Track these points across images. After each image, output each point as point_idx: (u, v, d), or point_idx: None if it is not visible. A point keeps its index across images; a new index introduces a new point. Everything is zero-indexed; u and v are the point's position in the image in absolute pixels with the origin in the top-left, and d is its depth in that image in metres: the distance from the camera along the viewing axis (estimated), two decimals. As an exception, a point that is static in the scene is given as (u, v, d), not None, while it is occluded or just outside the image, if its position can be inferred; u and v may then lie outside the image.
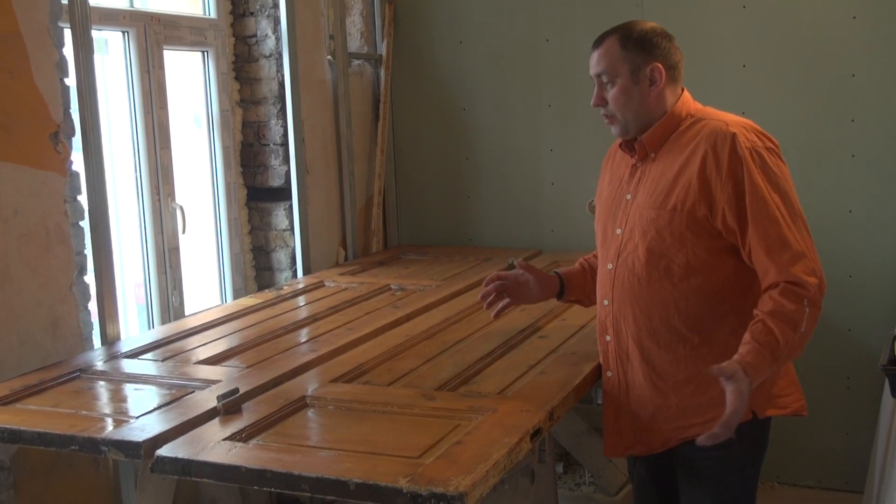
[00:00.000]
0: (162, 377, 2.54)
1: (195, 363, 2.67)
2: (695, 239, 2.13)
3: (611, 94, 2.21)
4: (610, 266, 2.28)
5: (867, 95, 3.70)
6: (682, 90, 2.27)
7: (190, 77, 3.66)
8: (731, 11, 3.83)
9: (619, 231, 2.26)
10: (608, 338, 2.32)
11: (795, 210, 2.09)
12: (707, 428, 2.04)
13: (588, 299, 2.57)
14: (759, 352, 1.99)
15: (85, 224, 2.86)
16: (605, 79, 2.21)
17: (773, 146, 2.16)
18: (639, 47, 2.18)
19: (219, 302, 3.72)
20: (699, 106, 2.28)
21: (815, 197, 3.73)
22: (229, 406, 2.23)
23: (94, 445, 2.08)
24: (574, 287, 2.56)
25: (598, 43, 2.22)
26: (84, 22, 2.81)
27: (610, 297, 2.29)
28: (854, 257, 3.78)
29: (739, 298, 2.16)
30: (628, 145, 2.29)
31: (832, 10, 3.72)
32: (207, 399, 2.29)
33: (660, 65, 2.19)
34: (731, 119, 2.18)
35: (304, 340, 2.91)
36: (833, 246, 3.73)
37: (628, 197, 2.26)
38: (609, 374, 2.33)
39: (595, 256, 2.52)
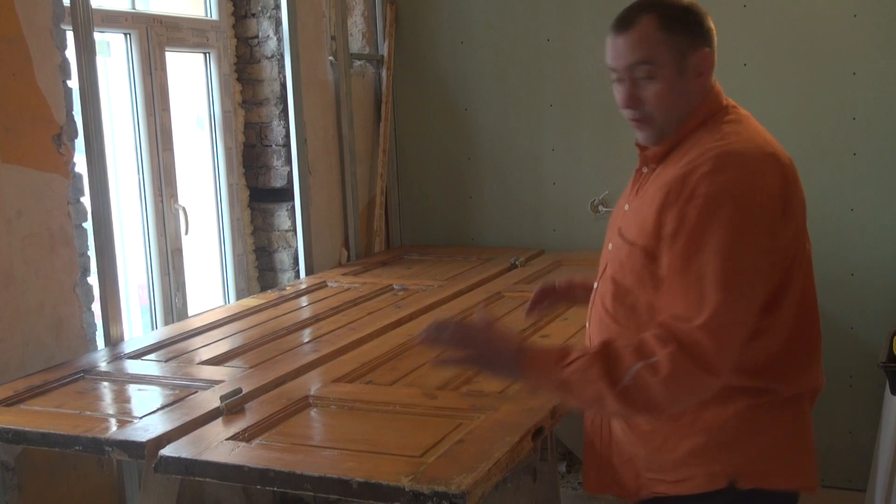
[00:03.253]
0: (165, 378, 2.55)
1: (198, 364, 2.68)
2: (654, 281, 1.68)
3: (650, 90, 1.70)
4: (595, 285, 1.89)
5: (868, 93, 3.70)
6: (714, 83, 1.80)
7: (192, 78, 3.67)
8: (731, 10, 3.83)
9: (610, 247, 1.85)
10: None
11: (733, 280, 1.57)
12: (676, 488, 1.74)
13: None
14: (571, 364, 1.62)
15: (88, 225, 2.86)
16: (640, 72, 1.69)
17: (763, 198, 1.62)
18: (684, 28, 1.69)
19: (222, 303, 3.73)
20: (727, 102, 1.80)
21: (816, 195, 3.69)
22: (232, 406, 2.24)
23: (98, 446, 2.09)
24: None
25: (626, 24, 1.70)
26: (86, 24, 2.81)
27: (588, 321, 1.91)
28: (856, 255, 3.78)
29: None
30: (638, 144, 1.85)
31: (833, 8, 3.72)
32: (210, 399, 2.30)
33: (709, 50, 1.73)
34: (742, 140, 1.69)
35: (306, 341, 2.92)
36: (835, 244, 3.74)
37: (626, 208, 1.84)
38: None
39: None
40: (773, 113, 3.76)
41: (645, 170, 1.82)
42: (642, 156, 1.81)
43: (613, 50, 1.72)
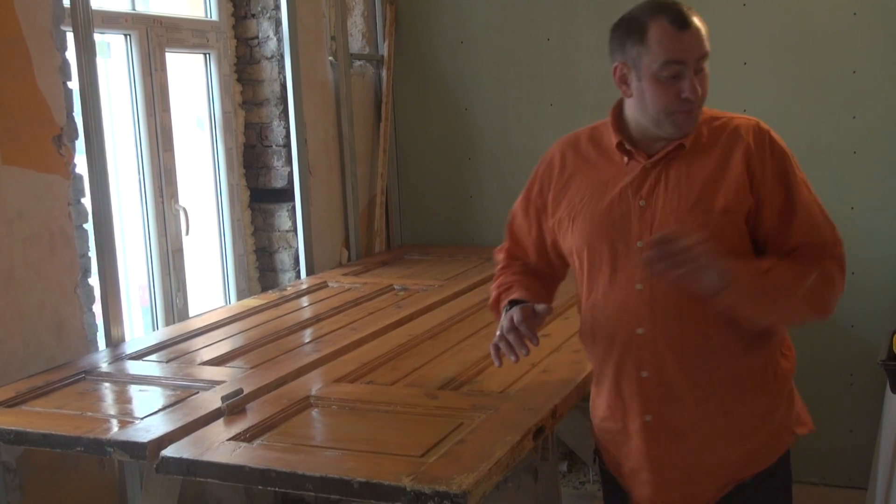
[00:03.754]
0: (166, 378, 2.56)
1: (199, 364, 2.68)
2: (745, 246, 1.87)
3: (704, 80, 1.85)
4: (639, 287, 1.88)
5: (868, 92, 3.70)
6: None
7: (192, 79, 3.67)
8: (731, 9, 3.83)
9: (640, 244, 1.87)
10: (644, 374, 1.91)
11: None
12: (766, 474, 1.96)
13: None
14: (770, 271, 1.80)
15: (89, 226, 2.87)
16: (703, 64, 1.84)
17: None
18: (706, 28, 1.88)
19: (223, 303, 3.73)
20: None
21: (816, 193, 3.73)
22: (233, 406, 2.24)
23: (100, 446, 2.10)
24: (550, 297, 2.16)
25: (688, 23, 1.82)
26: (86, 25, 2.82)
27: (648, 324, 1.88)
28: (856, 254, 3.75)
29: None
30: (626, 144, 1.93)
31: (833, 6, 3.72)
32: (212, 400, 2.30)
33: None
34: (747, 117, 1.96)
35: (307, 341, 2.92)
36: (835, 243, 3.74)
37: (641, 203, 1.89)
38: (648, 418, 1.93)
39: (513, 261, 2.19)
40: (773, 111, 3.77)
41: (651, 167, 1.90)
42: (670, 147, 1.88)
43: (679, 43, 1.81)
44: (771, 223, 1.86)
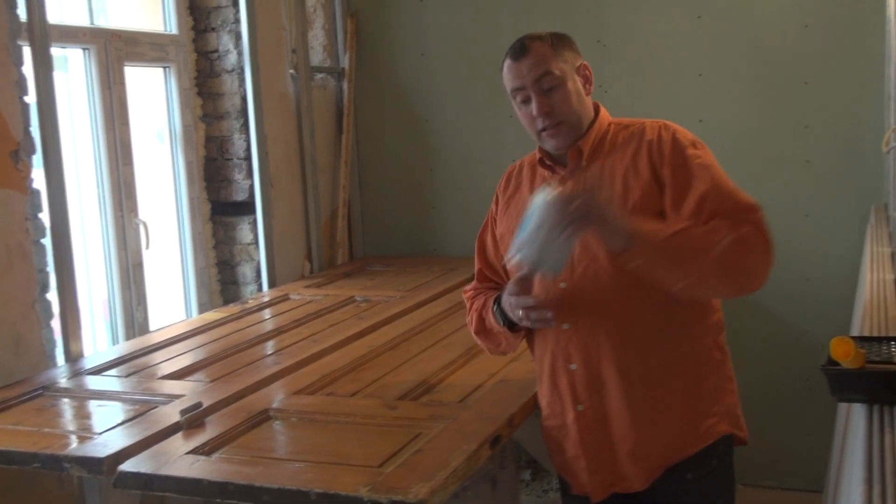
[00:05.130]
0: (125, 393, 2.55)
1: (159, 378, 2.68)
2: None
3: (558, 96, 1.98)
4: (563, 285, 1.99)
5: (820, 102, 3.79)
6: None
7: (152, 93, 3.67)
8: (686, 21, 3.90)
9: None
10: (573, 366, 2.02)
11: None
12: (697, 462, 2.00)
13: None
14: (680, 232, 1.83)
15: (47, 241, 2.85)
16: (546, 83, 1.97)
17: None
18: (565, 47, 2.03)
19: (184, 317, 3.72)
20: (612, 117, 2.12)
21: (770, 202, 3.74)
22: (192, 420, 2.24)
23: (57, 462, 2.09)
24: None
25: (523, 51, 2.01)
26: (43, 40, 2.81)
27: (572, 320, 2.00)
28: (810, 261, 3.86)
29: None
30: (546, 160, 2.08)
31: (785, 19, 3.81)
32: (171, 414, 2.30)
33: (587, 63, 2.06)
34: (660, 120, 2.05)
35: (268, 353, 2.92)
36: (789, 250, 3.80)
37: None
38: (580, 407, 2.03)
39: (484, 282, 2.29)
40: (728, 122, 3.84)
41: (568, 176, 2.02)
42: (574, 155, 2.02)
43: (517, 72, 2.00)
44: (681, 206, 1.90)
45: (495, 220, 2.24)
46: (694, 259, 1.82)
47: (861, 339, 1.77)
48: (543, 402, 2.15)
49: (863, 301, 2.52)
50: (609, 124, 2.07)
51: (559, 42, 2.03)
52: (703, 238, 1.83)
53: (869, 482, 1.18)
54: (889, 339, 1.81)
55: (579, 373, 2.02)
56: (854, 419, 1.66)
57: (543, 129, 2.00)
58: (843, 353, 1.60)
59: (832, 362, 1.60)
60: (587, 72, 2.06)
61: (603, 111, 2.08)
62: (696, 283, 1.87)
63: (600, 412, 2.02)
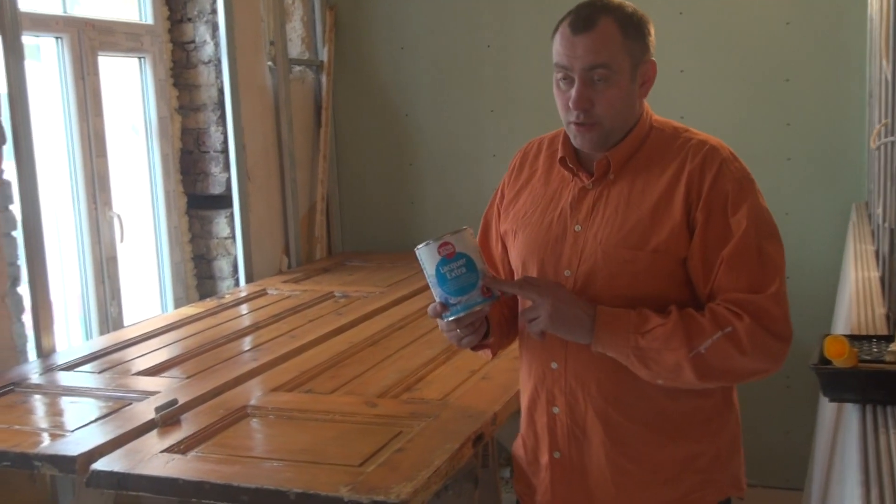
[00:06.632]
0: (99, 389, 2.50)
1: (134, 374, 2.62)
2: (677, 287, 1.66)
3: (605, 95, 1.64)
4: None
5: (801, 99, 3.78)
6: None
7: (127, 83, 3.60)
8: (668, 17, 3.88)
9: (567, 273, 1.70)
10: (556, 409, 1.76)
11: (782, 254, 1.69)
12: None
13: (505, 338, 1.89)
14: (654, 330, 1.59)
15: (18, 234, 2.79)
16: (598, 74, 1.62)
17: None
18: (639, 36, 1.66)
19: (159, 311, 3.66)
20: (658, 116, 1.79)
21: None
22: (167, 417, 2.19)
23: (27, 461, 2.04)
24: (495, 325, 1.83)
25: (589, 23, 1.62)
26: (14, 28, 2.75)
27: (561, 359, 1.73)
28: (791, 259, 3.78)
29: None
30: (568, 161, 1.75)
31: (767, 16, 3.79)
32: (145, 411, 2.25)
33: (655, 61, 1.71)
34: (712, 139, 1.72)
35: (245, 349, 2.87)
36: (771, 248, 3.81)
37: (577, 228, 1.71)
38: (557, 454, 1.78)
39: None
40: (709, 118, 3.82)
41: (591, 187, 1.72)
42: (600, 167, 1.70)
43: (570, 48, 1.63)
44: (694, 260, 1.64)
45: (499, 214, 1.90)
46: (659, 364, 1.60)
47: (850, 338, 1.75)
48: (521, 431, 1.89)
49: (846, 299, 2.51)
50: (650, 129, 1.73)
51: (634, 27, 1.65)
52: (680, 341, 1.57)
53: (867, 484, 1.16)
54: (878, 337, 1.79)
55: (561, 418, 1.76)
56: (846, 419, 1.64)
57: (575, 122, 1.67)
58: (837, 351, 1.57)
59: (824, 361, 1.58)
60: (651, 71, 1.70)
61: (647, 112, 1.75)
62: (676, 383, 1.63)
63: (578, 464, 1.76)
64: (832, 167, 3.79)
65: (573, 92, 1.64)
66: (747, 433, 4.09)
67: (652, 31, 1.70)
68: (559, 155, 1.76)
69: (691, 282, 1.65)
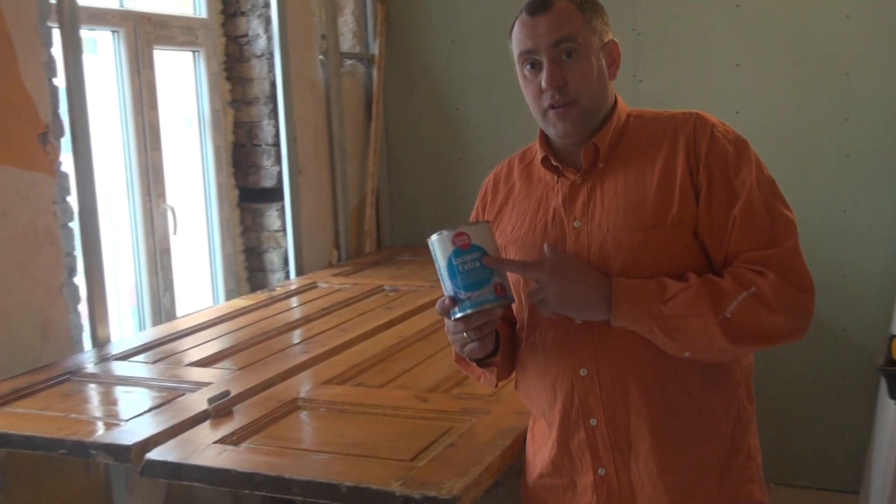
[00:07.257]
0: (153, 379, 2.52)
1: (186, 365, 2.65)
2: (694, 263, 1.58)
3: (577, 69, 1.59)
4: (579, 321, 1.60)
5: (861, 94, 3.69)
6: None
7: (181, 77, 3.63)
8: (724, 10, 3.82)
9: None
10: (593, 421, 1.63)
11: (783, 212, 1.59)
12: None
13: (508, 362, 1.76)
14: (677, 296, 1.51)
15: (75, 225, 2.83)
16: (565, 48, 1.58)
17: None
18: (596, 14, 1.64)
19: (211, 303, 3.70)
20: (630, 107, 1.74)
21: (809, 197, 3.73)
22: (220, 409, 2.21)
23: (83, 449, 2.06)
24: (505, 346, 1.72)
25: (544, 5, 1.61)
26: (72, 22, 2.78)
27: (591, 362, 1.61)
28: (849, 257, 3.77)
29: None
30: (551, 159, 1.67)
31: (825, 8, 3.71)
32: (198, 402, 2.27)
33: (617, 42, 1.67)
34: (695, 110, 1.67)
35: (296, 342, 2.88)
36: (828, 246, 3.73)
37: (576, 224, 1.62)
38: (601, 471, 1.64)
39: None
40: (766, 114, 3.76)
41: (580, 181, 1.64)
42: (588, 156, 1.63)
43: (532, 30, 1.61)
44: (704, 226, 1.57)
45: None
46: (689, 331, 1.51)
47: (916, 338, 1.70)
48: (543, 460, 1.74)
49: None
50: (628, 116, 1.68)
51: (590, 6, 1.63)
52: (706, 305, 1.50)
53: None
54: (944, 338, 1.73)
55: (601, 430, 1.62)
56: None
57: (551, 107, 1.60)
58: (906, 353, 1.53)
59: (892, 363, 1.53)
60: (615, 51, 1.66)
61: (620, 101, 1.70)
62: (708, 353, 1.54)
63: (626, 481, 1.63)
64: (891, 163, 3.70)
65: (544, 73, 1.59)
66: (801, 434, 4.03)
67: (606, 15, 1.66)
68: (540, 156, 1.69)
69: (707, 254, 1.58)
